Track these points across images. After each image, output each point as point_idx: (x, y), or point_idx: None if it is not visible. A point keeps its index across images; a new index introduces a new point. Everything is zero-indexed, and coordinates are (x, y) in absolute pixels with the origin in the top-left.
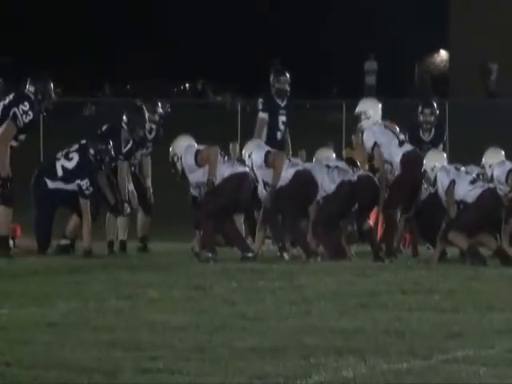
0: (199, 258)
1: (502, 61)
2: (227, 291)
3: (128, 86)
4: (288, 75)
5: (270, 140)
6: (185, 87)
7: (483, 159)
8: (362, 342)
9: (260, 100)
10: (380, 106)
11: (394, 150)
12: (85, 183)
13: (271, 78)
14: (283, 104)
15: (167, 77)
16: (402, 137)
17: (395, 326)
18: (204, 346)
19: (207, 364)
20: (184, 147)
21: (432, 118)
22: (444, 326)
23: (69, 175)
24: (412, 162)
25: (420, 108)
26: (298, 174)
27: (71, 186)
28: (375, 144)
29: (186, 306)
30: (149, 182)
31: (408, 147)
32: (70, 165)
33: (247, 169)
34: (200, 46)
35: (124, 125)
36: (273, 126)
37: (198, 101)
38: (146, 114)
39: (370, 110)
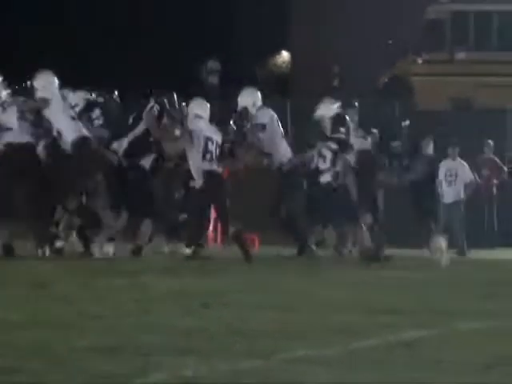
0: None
1: (343, 61)
2: (67, 289)
3: None
4: None
5: None
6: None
7: None
8: (202, 342)
9: None
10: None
11: None
12: None
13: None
14: None
15: None
16: None
17: (236, 326)
18: (43, 345)
19: (47, 363)
20: None
21: None
22: (285, 325)
23: None
24: None
25: None
26: None
27: None
28: None
29: (25, 303)
30: None
31: None
32: None
33: None
34: None
35: None
36: None
37: None
38: None
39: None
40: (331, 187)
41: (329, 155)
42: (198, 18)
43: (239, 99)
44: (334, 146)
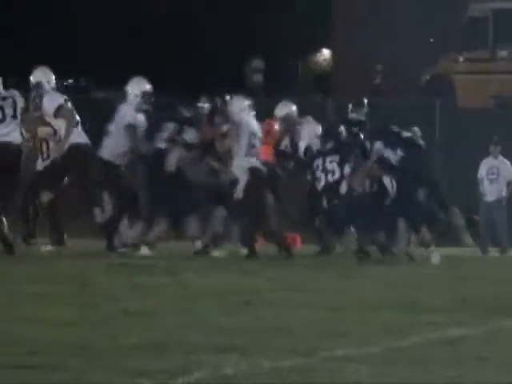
0: None
1: (384, 59)
2: (110, 287)
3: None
4: None
5: None
6: (67, 82)
7: None
8: (244, 340)
9: None
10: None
11: None
12: None
13: None
14: None
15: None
16: None
17: (278, 324)
18: (86, 342)
19: (89, 360)
20: None
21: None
22: (325, 323)
23: None
24: None
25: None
26: None
27: None
28: None
29: (69, 301)
30: None
31: None
32: None
33: None
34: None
35: None
36: None
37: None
38: None
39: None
40: (351, 196)
41: (335, 168)
42: (241, 16)
43: (277, 111)
44: (335, 157)
